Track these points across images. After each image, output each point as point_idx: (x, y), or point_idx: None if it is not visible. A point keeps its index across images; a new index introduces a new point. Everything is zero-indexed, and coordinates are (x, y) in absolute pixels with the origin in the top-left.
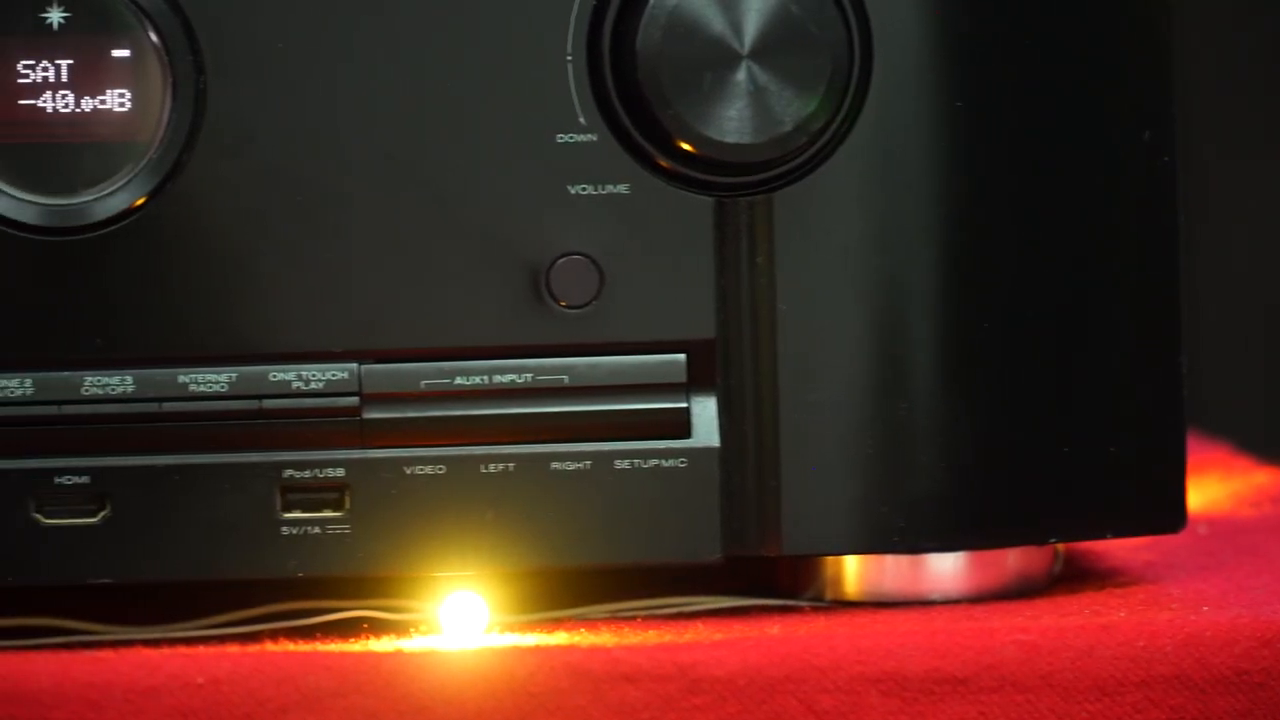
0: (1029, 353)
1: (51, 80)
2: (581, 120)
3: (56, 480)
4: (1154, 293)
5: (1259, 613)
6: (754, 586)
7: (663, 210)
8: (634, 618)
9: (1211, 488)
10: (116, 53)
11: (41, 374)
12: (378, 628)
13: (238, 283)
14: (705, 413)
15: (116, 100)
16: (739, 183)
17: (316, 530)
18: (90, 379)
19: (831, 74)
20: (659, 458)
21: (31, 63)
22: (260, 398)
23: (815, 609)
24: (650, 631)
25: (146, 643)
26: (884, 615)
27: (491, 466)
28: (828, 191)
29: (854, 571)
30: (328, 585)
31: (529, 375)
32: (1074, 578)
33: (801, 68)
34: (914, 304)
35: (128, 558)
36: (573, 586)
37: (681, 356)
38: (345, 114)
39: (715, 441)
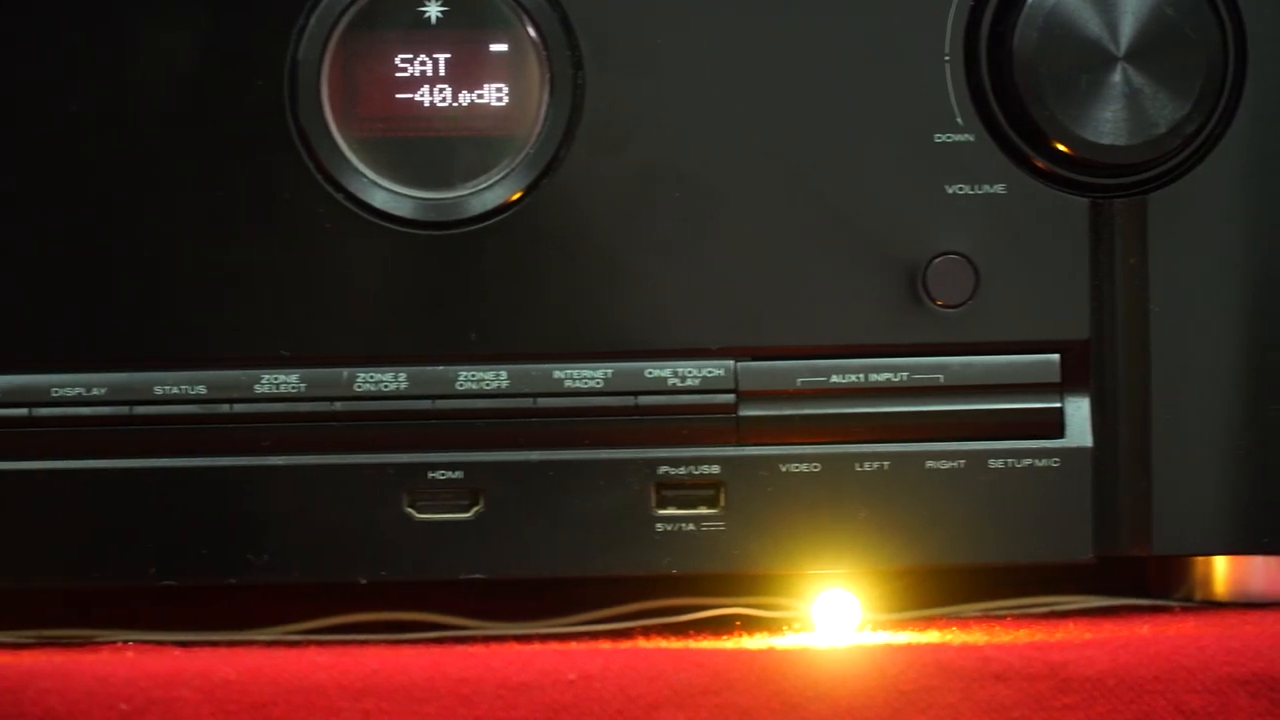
0: None
1: (429, 75)
2: (959, 120)
3: (429, 475)
4: None
5: None
6: (1124, 586)
7: (1038, 211)
8: (1004, 616)
9: None
10: (494, 47)
11: (415, 368)
12: (750, 625)
13: (613, 279)
14: (1078, 413)
15: (494, 95)
16: (1113, 184)
17: (691, 527)
18: (464, 374)
19: (1206, 77)
20: (1032, 457)
21: (409, 57)
22: (636, 394)
23: (1185, 609)
24: (1021, 630)
25: (519, 638)
26: (1253, 616)
27: (866, 465)
28: (1201, 193)
29: (1223, 572)
30: (700, 582)
31: (904, 374)
32: None
33: (1176, 70)
34: None
35: (500, 553)
36: (944, 585)
37: (1055, 357)
38: (722, 111)
39: (1088, 442)
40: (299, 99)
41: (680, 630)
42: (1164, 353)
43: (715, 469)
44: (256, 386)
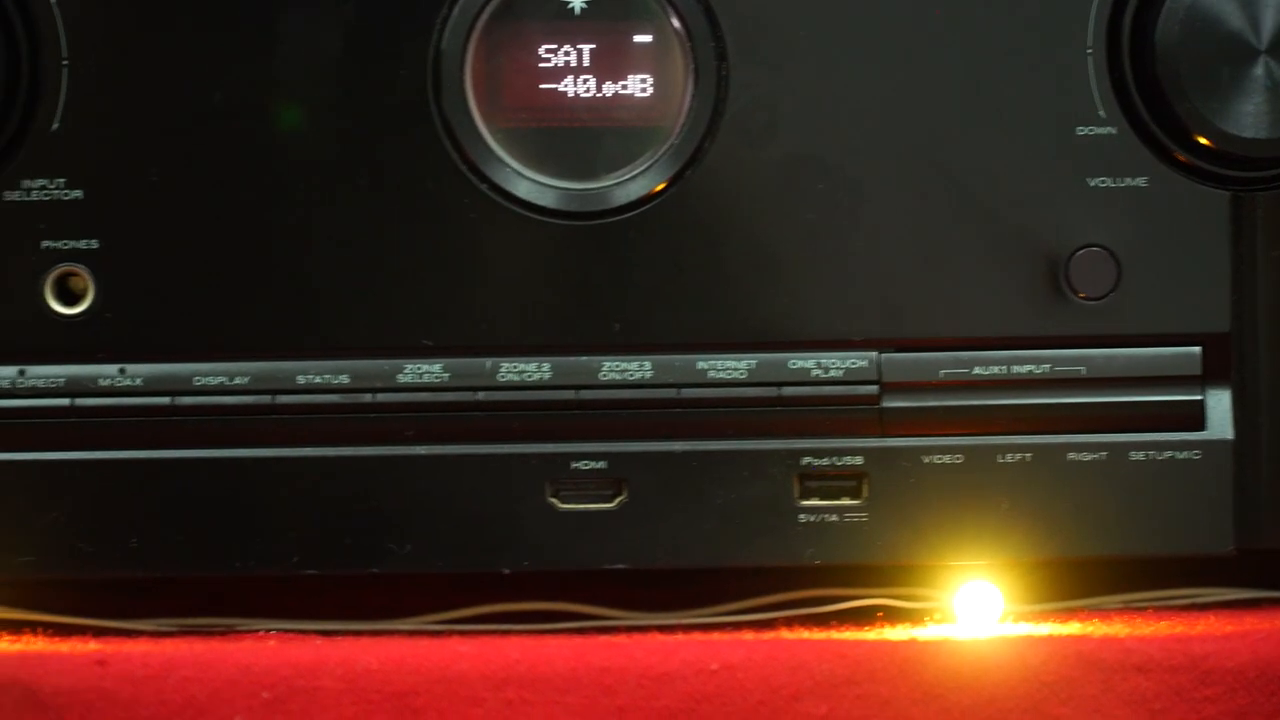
0: None
1: (573, 65)
2: (1101, 113)
3: (573, 465)
4: None
5: None
6: (1264, 578)
7: (1180, 204)
8: (1145, 608)
9: None
10: (638, 38)
11: (559, 358)
12: (892, 616)
13: (757, 270)
14: (1219, 405)
15: (638, 85)
16: (1255, 177)
17: (834, 518)
18: (608, 364)
19: None
20: (1173, 449)
21: (553, 47)
22: (779, 385)
23: None
24: (1162, 622)
25: (661, 628)
26: None
27: (1009, 456)
28: None
29: None
30: (842, 573)
31: (1046, 366)
32: None
33: None
34: None
35: (643, 544)
36: (1085, 576)
37: (1197, 349)
38: (866, 102)
39: (1229, 434)
40: (443, 89)
41: (822, 621)
42: None
43: (858, 460)
44: (400, 376)
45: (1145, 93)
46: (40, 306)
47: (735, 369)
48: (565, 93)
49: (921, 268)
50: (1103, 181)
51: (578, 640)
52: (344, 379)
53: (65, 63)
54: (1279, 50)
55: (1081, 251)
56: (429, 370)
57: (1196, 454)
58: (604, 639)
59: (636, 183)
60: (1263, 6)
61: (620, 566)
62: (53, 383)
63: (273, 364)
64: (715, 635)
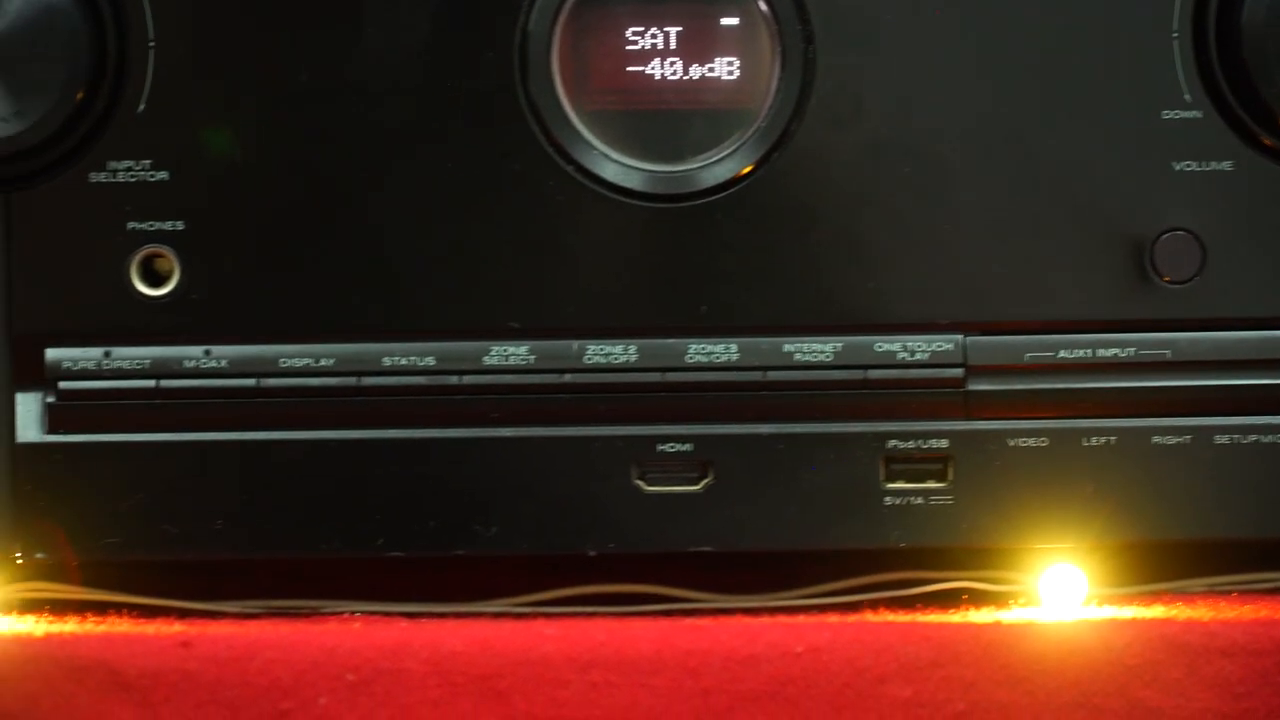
0: None
1: (660, 48)
2: (1187, 97)
3: (659, 448)
4: None
5: None
6: None
7: (1265, 187)
8: (1230, 592)
9: None
10: (725, 21)
11: (645, 341)
12: (977, 598)
13: (843, 253)
14: None
15: (725, 68)
16: None
17: (919, 501)
18: (694, 347)
19: None
20: (1258, 433)
21: (641, 30)
22: (865, 368)
23: None
24: (1246, 606)
25: (746, 611)
26: None
27: (1093, 440)
28: None
29: None
30: (927, 555)
31: (1132, 349)
32: None
33: None
34: None
35: (728, 526)
36: (1170, 559)
37: None
38: (952, 86)
39: None
40: (530, 72)
41: (908, 604)
42: None
43: (944, 443)
44: (486, 358)
45: (1231, 76)
46: (126, 288)
47: (821, 352)
48: (652, 75)
49: (1007, 251)
50: (1188, 165)
51: (663, 623)
52: (430, 361)
53: (152, 44)
54: None
55: (1166, 235)
56: (515, 352)
57: None
58: (689, 621)
59: (723, 165)
60: None
61: (706, 549)
62: (138, 364)
63: (359, 346)
64: (800, 618)
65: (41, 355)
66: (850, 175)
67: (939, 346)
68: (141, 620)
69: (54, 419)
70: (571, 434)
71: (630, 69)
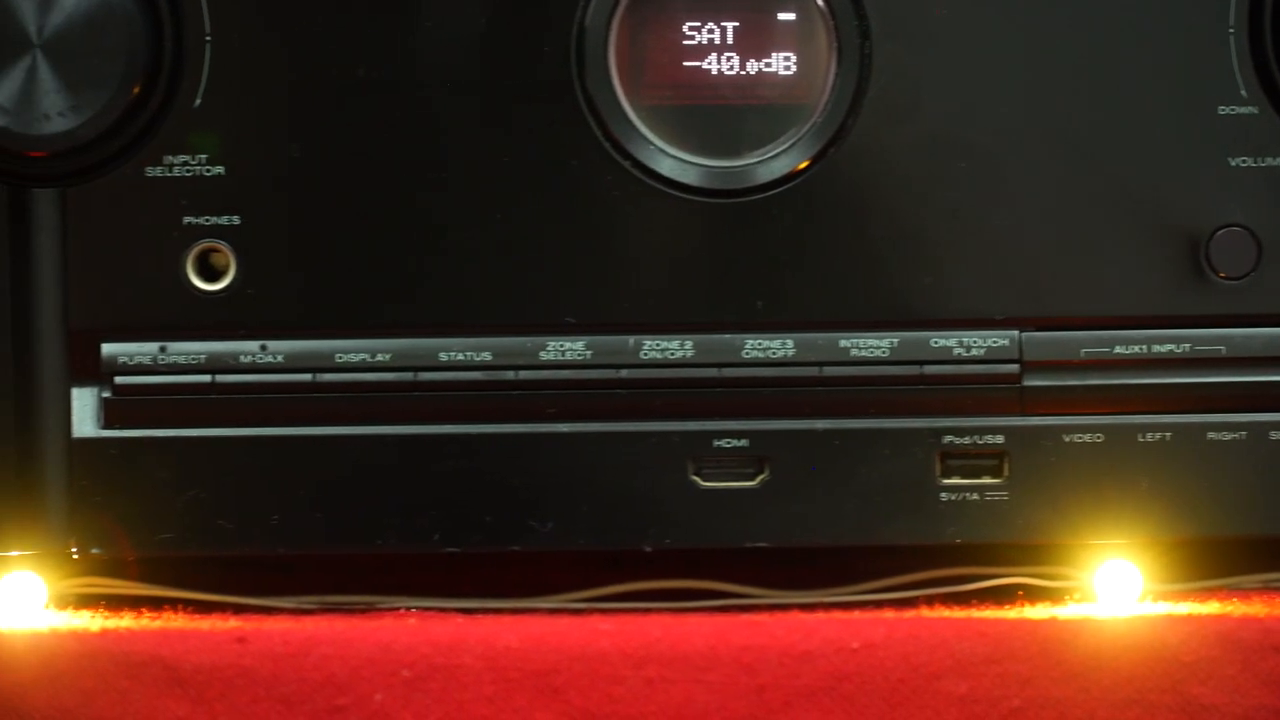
0: None
1: (717, 42)
2: (1243, 93)
3: (715, 443)
4: None
5: None
6: None
7: None
8: None
9: None
10: (782, 16)
11: (702, 336)
12: (1032, 594)
13: (899, 248)
14: None
15: (782, 63)
16: None
17: (975, 497)
18: (751, 342)
19: None
20: None
21: (697, 25)
22: (921, 363)
23: None
24: None
25: (802, 607)
26: None
27: (1149, 435)
28: None
29: None
30: (982, 551)
31: (1187, 345)
32: None
33: None
34: None
35: (784, 522)
36: (1225, 556)
37: None
38: (1007, 81)
39: None
40: (586, 66)
41: (963, 600)
42: None
43: (999, 439)
44: (542, 353)
45: None
46: (182, 282)
47: (877, 347)
48: (709, 70)
49: (1062, 247)
50: (1244, 161)
51: (718, 618)
52: (486, 356)
53: (208, 39)
54: None
55: (1222, 231)
56: (571, 348)
57: None
58: (745, 617)
59: (779, 160)
60: None
61: (761, 545)
62: (194, 359)
63: (415, 341)
64: (856, 613)
65: (97, 350)
66: (906, 170)
67: (995, 342)
68: (197, 616)
69: (110, 414)
70: (627, 429)
71: (687, 64)
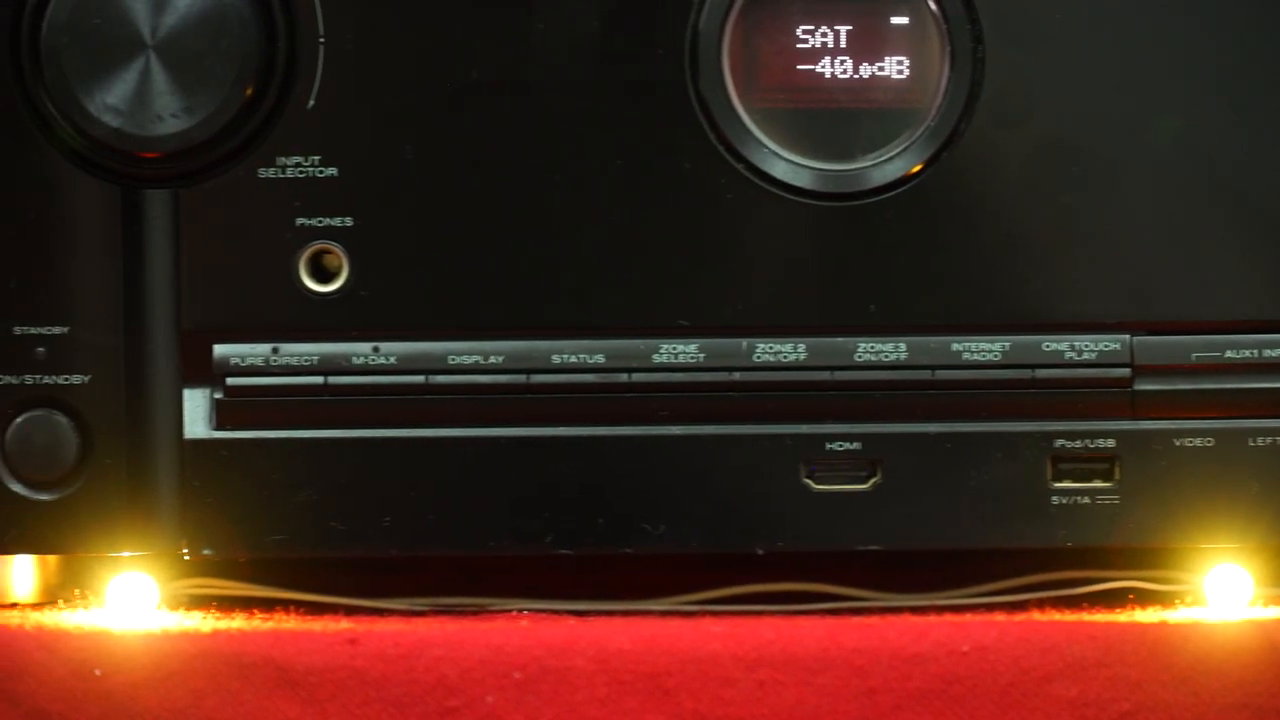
0: None
1: (830, 46)
2: None
3: (828, 446)
4: None
5: None
6: None
7: None
8: None
9: None
10: (895, 20)
11: (814, 339)
12: (1143, 598)
13: (1012, 252)
14: None
15: (895, 67)
16: None
17: (1086, 500)
18: (863, 345)
19: None
20: None
21: (810, 28)
22: (1033, 367)
23: None
24: None
25: (914, 609)
26: None
27: (1259, 440)
28: None
29: None
30: (1093, 555)
31: None
32: None
33: None
34: None
35: (897, 525)
36: None
37: None
38: (1121, 85)
39: None
40: (700, 69)
41: (1074, 603)
42: None
43: (1110, 442)
44: (655, 356)
45: None
46: (294, 284)
47: (989, 351)
48: (822, 74)
49: (1174, 251)
50: None
51: (830, 621)
52: (599, 358)
53: (322, 40)
54: None
55: None
56: (684, 350)
57: None
58: (856, 620)
59: (893, 164)
60: None
61: (873, 548)
62: (306, 361)
63: (528, 343)
64: (967, 616)
65: (210, 351)
66: (1019, 174)
67: (1106, 346)
68: (308, 617)
69: (222, 415)
70: (740, 432)
71: (800, 67)
